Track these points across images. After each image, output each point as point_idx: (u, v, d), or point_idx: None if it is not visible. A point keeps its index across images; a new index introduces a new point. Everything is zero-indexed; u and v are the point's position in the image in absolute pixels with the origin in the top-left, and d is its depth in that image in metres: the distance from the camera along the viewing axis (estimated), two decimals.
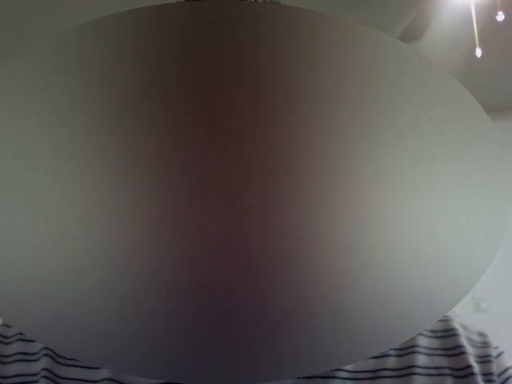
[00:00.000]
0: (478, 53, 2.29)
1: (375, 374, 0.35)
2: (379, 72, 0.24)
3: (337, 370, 0.35)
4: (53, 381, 0.35)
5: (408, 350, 0.37)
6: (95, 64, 0.22)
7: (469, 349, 0.38)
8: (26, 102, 0.22)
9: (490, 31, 2.74)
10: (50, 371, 0.35)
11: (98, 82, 0.22)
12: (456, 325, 0.39)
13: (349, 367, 0.35)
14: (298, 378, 0.34)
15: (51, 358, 0.36)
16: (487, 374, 0.37)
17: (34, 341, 0.37)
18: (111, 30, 0.22)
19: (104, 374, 0.35)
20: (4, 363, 0.36)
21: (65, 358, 0.36)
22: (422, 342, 0.38)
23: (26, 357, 0.37)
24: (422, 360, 0.36)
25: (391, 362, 0.36)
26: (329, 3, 2.41)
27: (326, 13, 0.23)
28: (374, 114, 0.24)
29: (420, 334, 0.38)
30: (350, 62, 0.23)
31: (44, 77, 0.22)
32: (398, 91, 0.24)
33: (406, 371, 0.36)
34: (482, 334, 0.40)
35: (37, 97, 0.22)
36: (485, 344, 0.39)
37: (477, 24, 2.67)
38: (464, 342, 0.38)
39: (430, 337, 0.38)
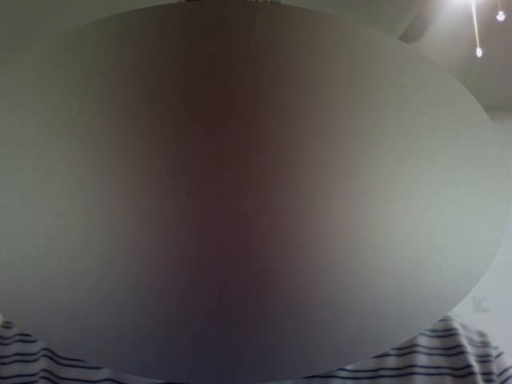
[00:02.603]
0: (479, 52, 2.29)
1: (375, 373, 0.35)
2: (379, 72, 0.24)
3: (337, 369, 0.35)
4: (52, 381, 0.35)
5: (408, 349, 0.37)
6: (95, 64, 0.22)
7: (469, 348, 0.38)
8: (26, 102, 0.22)
9: (491, 31, 2.74)
10: (50, 372, 0.35)
11: (98, 81, 0.22)
12: (456, 324, 0.39)
13: (349, 366, 0.35)
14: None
15: (50, 358, 0.36)
16: (487, 374, 0.37)
17: (32, 342, 0.38)
18: (112, 30, 0.22)
19: (104, 374, 0.35)
20: (3, 364, 0.36)
21: (64, 359, 0.36)
22: (422, 341, 0.38)
23: (25, 357, 0.37)
24: (421, 359, 0.36)
25: (391, 362, 0.36)
26: (329, 3, 2.41)
27: (325, 13, 0.23)
28: (374, 114, 0.24)
29: (420, 333, 0.38)
30: (349, 62, 0.23)
31: (44, 77, 0.22)
32: (397, 91, 0.24)
33: (406, 370, 0.36)
34: (481, 334, 0.40)
35: (37, 97, 0.22)
36: (485, 344, 0.39)
37: (477, 24, 2.67)
38: (464, 341, 0.38)
39: (430, 336, 0.38)
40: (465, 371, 0.36)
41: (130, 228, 0.23)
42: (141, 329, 0.23)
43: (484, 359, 0.37)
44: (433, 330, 0.39)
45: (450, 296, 0.26)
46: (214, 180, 0.23)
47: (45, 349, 0.36)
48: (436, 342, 0.38)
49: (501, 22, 2.66)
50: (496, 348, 0.39)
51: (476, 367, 0.37)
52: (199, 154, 0.23)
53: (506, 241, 3.59)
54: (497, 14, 2.58)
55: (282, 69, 0.23)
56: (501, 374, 0.37)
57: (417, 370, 0.36)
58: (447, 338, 0.38)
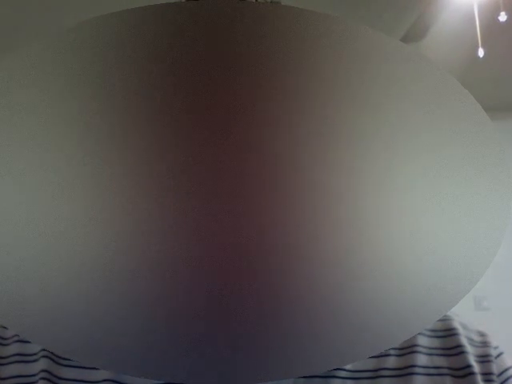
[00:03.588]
0: (481, 53, 2.29)
1: (375, 373, 0.35)
2: (379, 72, 0.24)
3: (337, 369, 0.35)
4: (52, 382, 0.35)
5: (408, 349, 0.37)
6: (95, 64, 0.22)
7: (469, 348, 0.38)
8: (26, 102, 0.23)
9: (493, 31, 2.73)
10: (49, 372, 0.35)
11: (98, 81, 0.22)
12: (456, 324, 0.39)
13: (349, 366, 0.35)
14: (298, 377, 0.34)
15: (50, 359, 0.36)
16: (487, 374, 0.37)
17: None
18: (111, 29, 0.22)
19: (104, 374, 0.35)
20: (2, 364, 0.36)
21: (64, 359, 0.36)
22: (422, 341, 0.38)
23: (25, 358, 0.37)
24: (421, 359, 0.36)
25: (391, 362, 0.36)
26: (329, 3, 2.41)
27: (326, 13, 0.23)
28: (374, 114, 0.24)
29: (420, 333, 0.38)
30: (349, 63, 0.23)
31: (44, 77, 0.22)
32: (397, 91, 0.24)
33: (406, 371, 0.36)
34: (481, 334, 0.40)
35: (37, 97, 0.22)
36: (485, 344, 0.39)
37: (479, 24, 2.67)
38: (464, 341, 0.38)
39: (430, 336, 0.38)
40: (465, 371, 0.36)
41: (130, 228, 0.23)
42: (140, 329, 0.24)
43: (484, 359, 0.37)
44: (433, 330, 0.39)
45: (450, 296, 0.26)
46: (213, 180, 0.23)
47: (44, 349, 0.36)
48: (436, 342, 0.38)
49: (502, 22, 2.66)
50: (496, 348, 0.39)
51: (476, 367, 0.36)
52: (199, 154, 0.23)
53: (506, 241, 3.59)
54: (499, 14, 2.58)
55: (282, 69, 0.23)
56: (501, 374, 0.37)
57: (417, 370, 0.36)
58: (447, 337, 0.38)
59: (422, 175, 0.25)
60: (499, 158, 0.26)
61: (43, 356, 0.36)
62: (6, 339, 0.38)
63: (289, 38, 0.23)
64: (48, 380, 0.35)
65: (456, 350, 0.37)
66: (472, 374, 0.36)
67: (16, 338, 0.38)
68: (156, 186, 0.23)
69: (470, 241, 0.26)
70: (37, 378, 0.35)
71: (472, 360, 0.37)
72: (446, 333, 0.39)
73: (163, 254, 0.23)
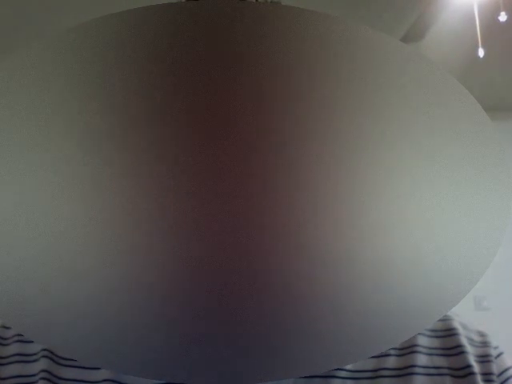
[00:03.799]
0: (481, 53, 2.29)
1: (375, 373, 0.35)
2: (379, 72, 0.24)
3: (337, 369, 0.35)
4: (52, 382, 0.35)
5: (408, 349, 0.37)
6: (95, 64, 0.22)
7: (469, 348, 0.38)
8: (26, 102, 0.23)
9: (493, 31, 2.73)
10: (49, 372, 0.35)
11: (98, 81, 0.22)
12: (456, 324, 0.39)
13: (349, 366, 0.35)
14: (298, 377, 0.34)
15: (50, 359, 0.36)
16: (487, 374, 0.37)
17: (32, 342, 0.37)
18: (111, 29, 0.22)
19: (104, 374, 0.35)
20: (2, 364, 0.36)
21: (64, 359, 0.36)
22: (422, 341, 0.38)
23: (24, 358, 0.37)
24: (421, 359, 0.36)
25: (391, 362, 0.36)
26: (329, 3, 2.41)
27: (326, 13, 0.23)
28: (374, 115, 0.24)
29: (420, 333, 0.38)
30: (350, 63, 0.23)
31: (44, 77, 0.22)
32: (397, 91, 0.24)
33: (406, 371, 0.36)
34: (481, 334, 0.40)
35: (37, 97, 0.22)
36: (485, 344, 0.39)
37: (479, 24, 2.67)
38: (464, 341, 0.38)
39: (430, 336, 0.38)
40: (465, 371, 0.36)
41: (130, 228, 0.23)
42: (141, 329, 0.24)
43: (484, 359, 0.37)
44: (433, 330, 0.39)
45: (450, 296, 0.26)
46: (213, 180, 0.23)
47: (45, 349, 0.36)
48: (436, 342, 0.38)
49: (502, 22, 2.66)
50: (496, 348, 0.39)
51: (476, 367, 0.36)
52: (199, 153, 0.23)
53: (506, 241, 3.59)
54: (499, 14, 2.58)
55: (282, 69, 0.23)
56: (501, 374, 0.37)
57: (417, 370, 0.36)
58: (447, 337, 0.38)
59: (421, 175, 0.25)
60: (499, 157, 0.26)
61: (43, 356, 0.36)
62: (6, 339, 0.38)
63: (289, 38, 0.23)
64: (48, 380, 0.35)
65: (456, 350, 0.37)
66: (472, 374, 0.36)
67: (16, 338, 0.38)
68: (156, 186, 0.23)
69: (470, 241, 0.26)
70: (37, 378, 0.35)
71: (472, 360, 0.37)
72: (446, 333, 0.39)
73: (163, 253, 0.23)
